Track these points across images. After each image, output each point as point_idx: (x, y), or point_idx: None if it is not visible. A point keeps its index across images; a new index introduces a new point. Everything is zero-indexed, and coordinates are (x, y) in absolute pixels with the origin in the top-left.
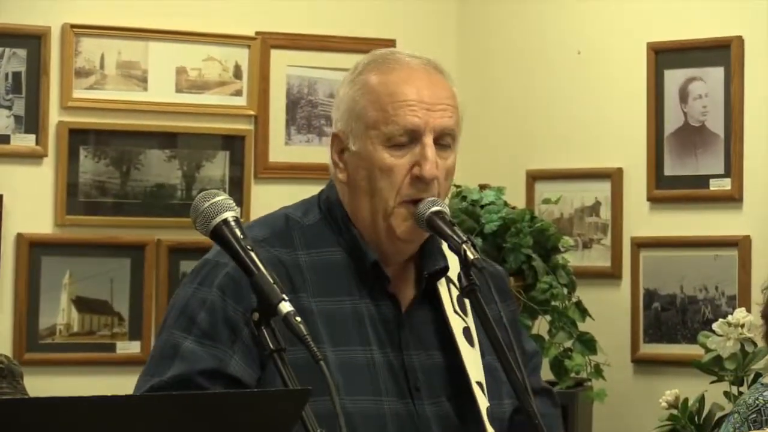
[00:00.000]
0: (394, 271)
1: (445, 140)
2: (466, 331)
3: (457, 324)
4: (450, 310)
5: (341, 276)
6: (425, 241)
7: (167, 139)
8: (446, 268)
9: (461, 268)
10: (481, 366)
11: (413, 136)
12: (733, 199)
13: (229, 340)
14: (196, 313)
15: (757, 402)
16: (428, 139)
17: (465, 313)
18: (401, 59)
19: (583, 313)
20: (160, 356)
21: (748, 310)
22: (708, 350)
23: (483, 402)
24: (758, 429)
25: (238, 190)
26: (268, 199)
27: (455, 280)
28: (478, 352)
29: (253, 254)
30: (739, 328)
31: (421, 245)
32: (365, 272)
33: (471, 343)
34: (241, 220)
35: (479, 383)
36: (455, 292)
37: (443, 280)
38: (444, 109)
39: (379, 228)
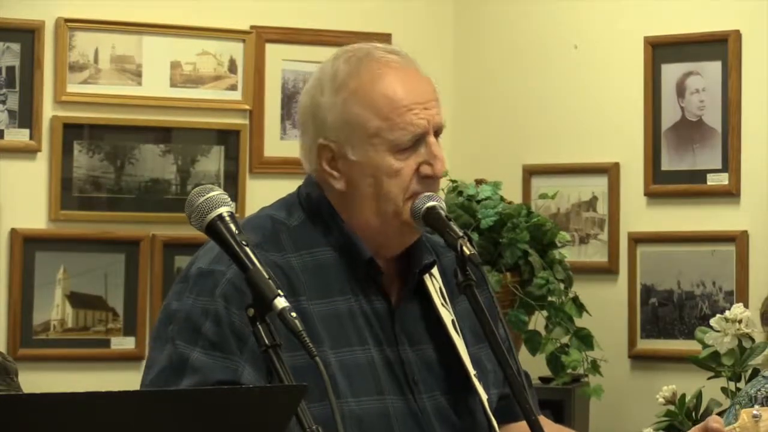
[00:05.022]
0: (382, 267)
1: (438, 134)
2: (453, 324)
3: (446, 317)
4: (439, 304)
5: (333, 275)
6: None
7: (162, 134)
8: (434, 263)
9: (457, 264)
10: (469, 358)
11: (418, 139)
12: (730, 194)
13: (237, 350)
14: (200, 323)
15: (758, 393)
16: (432, 138)
17: (449, 305)
18: (382, 59)
19: (580, 308)
20: (169, 369)
21: (746, 306)
22: (705, 346)
23: (483, 394)
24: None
25: (233, 184)
26: (263, 193)
27: (436, 273)
28: (463, 344)
29: (248, 249)
30: (737, 324)
31: None
32: (357, 270)
33: (459, 335)
34: (236, 215)
35: (475, 375)
36: (437, 285)
37: (428, 274)
38: (435, 105)
39: (392, 227)
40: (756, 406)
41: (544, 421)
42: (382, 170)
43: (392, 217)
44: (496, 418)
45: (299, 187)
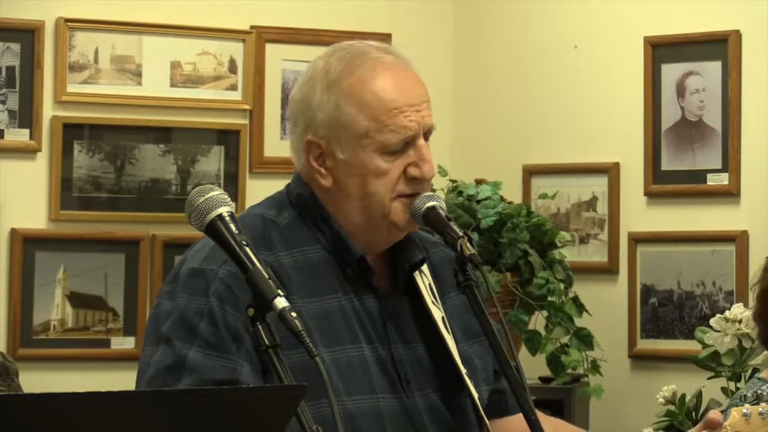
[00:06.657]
0: (372, 265)
1: (428, 135)
2: (443, 321)
3: (436, 314)
4: (429, 301)
5: (324, 274)
6: None
7: (162, 134)
8: (423, 260)
9: (457, 263)
10: (458, 355)
11: (408, 141)
12: (730, 194)
13: (234, 349)
14: (196, 323)
15: (754, 396)
16: (422, 141)
17: (438, 302)
18: (376, 58)
19: (580, 308)
20: (166, 369)
21: (746, 306)
22: (705, 346)
23: (474, 392)
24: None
25: (233, 184)
26: (263, 193)
27: (426, 270)
28: (453, 342)
29: (248, 249)
30: (737, 324)
31: None
32: (348, 268)
33: (449, 332)
34: (236, 215)
35: (466, 373)
36: (427, 282)
37: (417, 271)
38: (427, 107)
39: (378, 226)
40: (746, 405)
41: (541, 416)
42: (370, 171)
43: (380, 217)
44: (488, 413)
45: (288, 185)
